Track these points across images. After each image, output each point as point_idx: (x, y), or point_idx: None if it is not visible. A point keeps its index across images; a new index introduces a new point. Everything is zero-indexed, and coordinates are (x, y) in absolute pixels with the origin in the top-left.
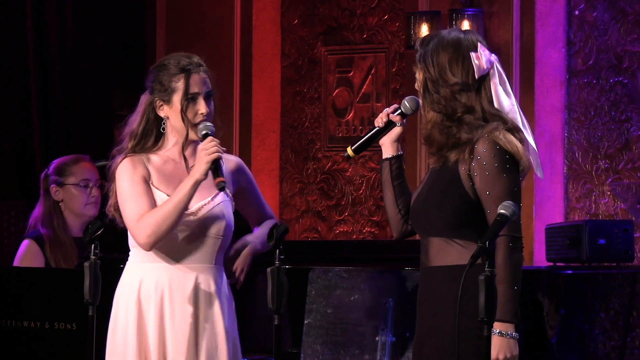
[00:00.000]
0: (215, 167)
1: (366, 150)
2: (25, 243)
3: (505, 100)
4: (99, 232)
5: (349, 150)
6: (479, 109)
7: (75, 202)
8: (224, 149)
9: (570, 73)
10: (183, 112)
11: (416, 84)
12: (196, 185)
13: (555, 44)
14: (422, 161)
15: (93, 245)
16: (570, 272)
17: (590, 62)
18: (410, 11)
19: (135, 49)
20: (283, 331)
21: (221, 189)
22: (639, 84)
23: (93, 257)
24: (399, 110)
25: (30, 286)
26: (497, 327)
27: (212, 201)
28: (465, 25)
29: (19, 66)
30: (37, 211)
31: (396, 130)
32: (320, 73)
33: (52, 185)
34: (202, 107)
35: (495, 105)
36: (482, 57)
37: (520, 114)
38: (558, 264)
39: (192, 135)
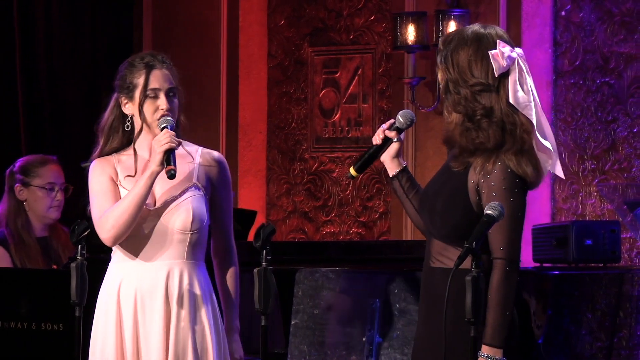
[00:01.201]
0: (167, 157)
1: (356, 156)
2: None
3: (522, 96)
4: (86, 233)
5: (352, 171)
6: (498, 111)
7: (39, 205)
8: (180, 141)
9: (556, 74)
10: (140, 106)
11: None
12: (152, 177)
13: (541, 44)
14: (410, 165)
15: (80, 246)
16: (557, 272)
17: (577, 63)
18: (397, 12)
19: (122, 50)
20: (270, 332)
21: (170, 177)
22: (626, 84)
23: (80, 257)
24: (394, 126)
25: (16, 287)
26: (486, 351)
27: (179, 196)
28: (452, 26)
29: (6, 66)
30: (1, 209)
31: (394, 146)
32: (306, 74)
33: (17, 185)
34: (162, 102)
35: (511, 101)
36: (500, 56)
37: (536, 110)
38: (545, 264)
39: (148, 131)
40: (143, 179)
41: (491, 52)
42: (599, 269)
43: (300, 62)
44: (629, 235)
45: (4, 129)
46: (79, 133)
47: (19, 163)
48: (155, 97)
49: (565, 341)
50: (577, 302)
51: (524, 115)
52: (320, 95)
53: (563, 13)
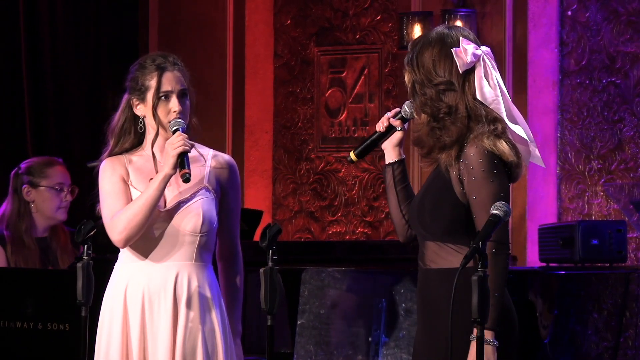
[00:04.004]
0: (181, 160)
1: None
2: None
3: (488, 91)
4: (92, 232)
5: (352, 155)
6: (463, 108)
7: (48, 206)
8: (192, 143)
9: (562, 74)
10: (154, 109)
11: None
12: (165, 179)
13: (547, 44)
14: (415, 164)
15: (86, 246)
16: (563, 272)
17: (583, 63)
18: (403, 12)
19: (128, 50)
20: (276, 332)
21: (185, 180)
22: (632, 84)
23: (86, 257)
24: (399, 115)
25: (22, 287)
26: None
27: (190, 198)
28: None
29: (11, 67)
30: (4, 209)
31: (397, 135)
32: (313, 73)
33: (25, 186)
34: (174, 104)
35: (478, 97)
36: (464, 52)
37: (504, 104)
38: (551, 264)
39: (164, 133)
40: (156, 182)
41: (454, 50)
42: (605, 268)
43: (307, 62)
44: (635, 235)
45: (10, 129)
46: (80, 133)
47: (24, 165)
48: (167, 99)
49: (571, 341)
50: (583, 302)
51: (492, 110)
52: (327, 94)
53: (569, 13)
